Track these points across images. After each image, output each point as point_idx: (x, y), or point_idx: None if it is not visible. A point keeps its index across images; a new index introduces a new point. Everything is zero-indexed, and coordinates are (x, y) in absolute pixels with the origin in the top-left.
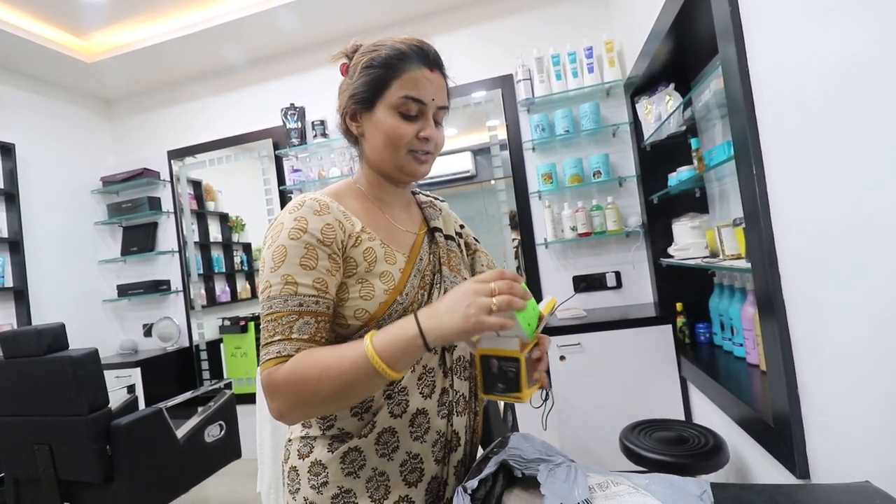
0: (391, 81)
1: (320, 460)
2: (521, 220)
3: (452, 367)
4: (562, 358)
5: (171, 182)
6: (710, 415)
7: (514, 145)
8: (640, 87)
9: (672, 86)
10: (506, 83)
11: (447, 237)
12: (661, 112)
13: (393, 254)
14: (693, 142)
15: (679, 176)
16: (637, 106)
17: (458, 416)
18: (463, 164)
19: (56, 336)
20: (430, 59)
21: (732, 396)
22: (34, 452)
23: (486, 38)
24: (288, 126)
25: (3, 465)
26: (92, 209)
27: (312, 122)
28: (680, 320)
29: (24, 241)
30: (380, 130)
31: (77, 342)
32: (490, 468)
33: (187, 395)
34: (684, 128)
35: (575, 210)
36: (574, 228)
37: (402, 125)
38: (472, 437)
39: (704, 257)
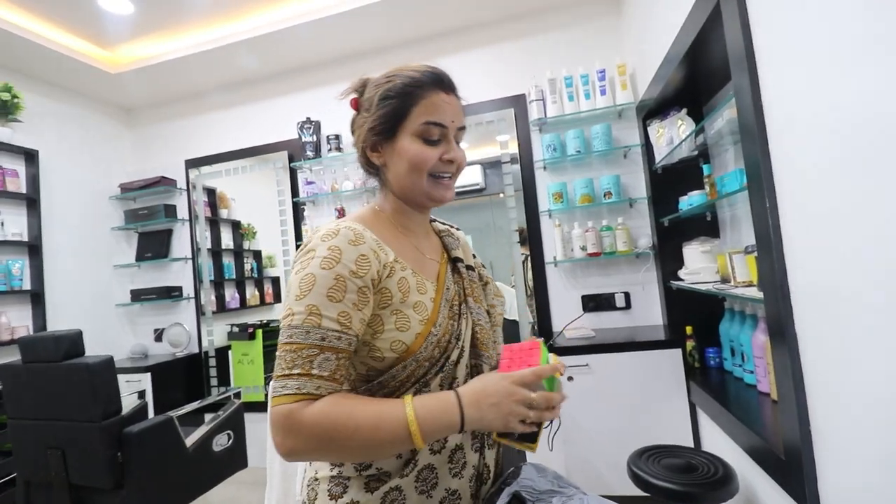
0: (410, 109)
1: (358, 501)
2: (531, 238)
3: None
4: (570, 378)
5: (188, 190)
6: (719, 442)
7: (526, 164)
8: (652, 111)
9: (684, 111)
10: (518, 103)
11: (468, 267)
12: (672, 136)
13: (424, 283)
14: (705, 168)
15: (690, 200)
16: (649, 129)
17: (488, 448)
18: (472, 176)
19: (73, 342)
20: (445, 83)
21: (742, 425)
22: (47, 456)
23: (500, 58)
24: (303, 139)
25: (16, 467)
26: (109, 215)
27: (327, 137)
28: (689, 344)
29: (43, 244)
30: (404, 158)
31: (90, 346)
32: (503, 499)
33: (197, 403)
34: (696, 153)
35: (585, 230)
36: (584, 248)
37: (426, 150)
38: (496, 468)
39: (715, 282)
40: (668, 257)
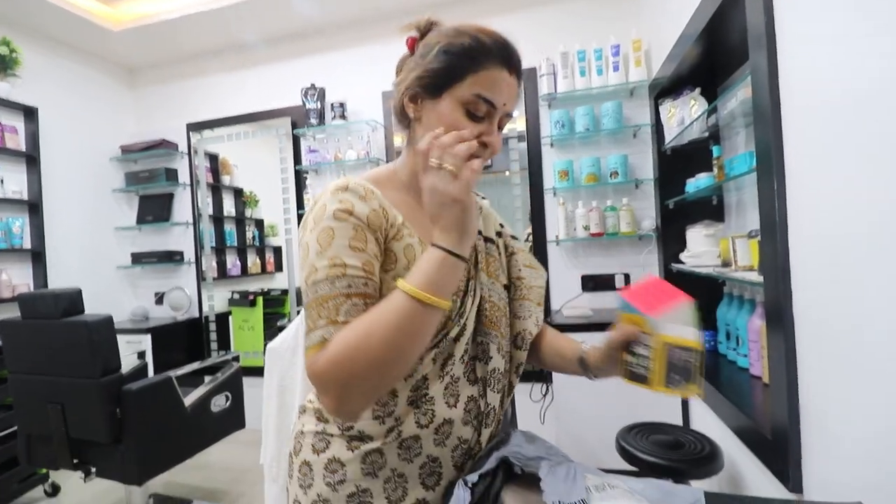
0: (467, 75)
1: (338, 458)
2: (534, 216)
3: (486, 379)
4: None
5: (189, 154)
6: (707, 422)
7: (533, 140)
8: (665, 90)
9: (698, 90)
10: (528, 76)
11: (487, 240)
12: (684, 116)
13: None
14: (715, 149)
15: (698, 183)
16: (660, 108)
17: (486, 427)
18: None
19: (73, 300)
20: (513, 63)
21: (731, 405)
22: (47, 411)
23: (512, 28)
24: (307, 106)
25: (17, 420)
26: (110, 176)
27: (332, 104)
28: None
29: (44, 203)
30: (440, 123)
31: (90, 306)
32: (490, 464)
33: (196, 364)
34: (707, 134)
35: (589, 209)
36: (587, 227)
37: (466, 124)
38: (489, 443)
39: (716, 266)
40: (670, 240)
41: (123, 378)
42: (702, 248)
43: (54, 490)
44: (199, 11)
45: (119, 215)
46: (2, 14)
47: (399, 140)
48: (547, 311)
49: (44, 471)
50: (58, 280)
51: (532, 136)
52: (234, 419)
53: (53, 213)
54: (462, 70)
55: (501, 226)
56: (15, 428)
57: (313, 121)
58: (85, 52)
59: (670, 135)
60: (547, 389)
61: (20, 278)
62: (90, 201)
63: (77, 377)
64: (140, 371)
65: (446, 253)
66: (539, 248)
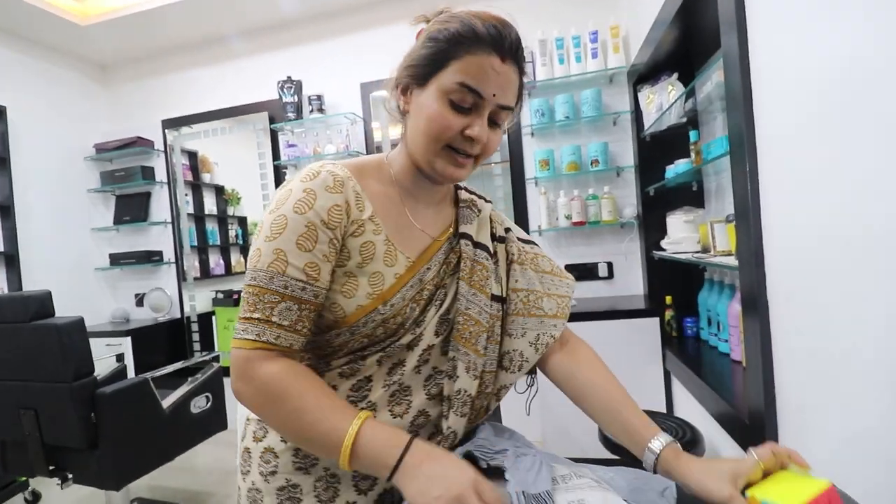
0: (450, 62)
1: (272, 448)
2: (516, 206)
3: (451, 399)
4: None
5: (165, 152)
6: (690, 409)
7: (513, 130)
8: (644, 76)
9: (675, 75)
10: None
11: (477, 245)
12: (662, 102)
13: (395, 254)
14: (692, 134)
15: (676, 168)
16: (639, 95)
17: (455, 414)
18: None
19: (42, 303)
20: (505, 48)
21: (711, 391)
22: (20, 416)
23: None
24: (284, 100)
25: None
26: (85, 176)
27: (309, 97)
28: (668, 314)
29: (16, 205)
30: (423, 114)
31: (69, 309)
32: None
33: (175, 366)
34: (685, 119)
35: (571, 198)
36: (569, 217)
37: (449, 116)
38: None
39: (696, 252)
40: (651, 227)
41: (97, 382)
42: (682, 235)
43: (35, 498)
44: (171, 2)
45: (96, 216)
46: None
47: (379, 135)
48: None
49: (23, 479)
50: (33, 284)
51: (512, 126)
52: (215, 420)
53: (26, 215)
54: (446, 56)
55: (508, 230)
56: None
57: (291, 115)
58: (54, 48)
59: (649, 121)
60: (532, 381)
61: None
62: (65, 202)
63: (49, 381)
64: (118, 374)
65: (390, 472)
66: None
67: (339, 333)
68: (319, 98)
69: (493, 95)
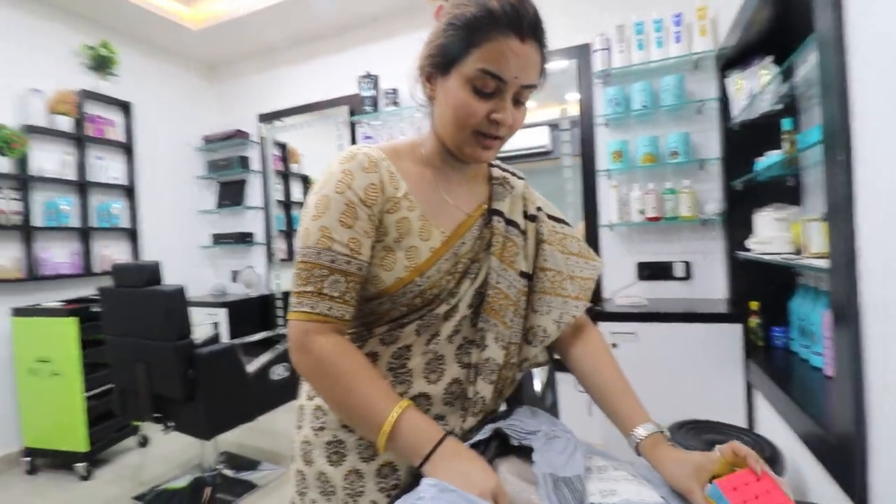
0: (471, 49)
1: (321, 407)
2: (586, 200)
3: (478, 366)
4: (614, 345)
5: (261, 144)
6: (774, 426)
7: (586, 120)
8: (733, 60)
9: (769, 59)
10: (582, 53)
11: (509, 223)
12: (753, 88)
13: (430, 230)
14: (785, 122)
15: (768, 160)
16: (727, 81)
17: (472, 416)
18: (539, 138)
19: (153, 272)
20: (524, 28)
21: (796, 407)
22: (135, 369)
23: (565, 3)
24: (362, 94)
25: (112, 377)
26: (194, 164)
27: (385, 91)
28: (753, 321)
29: (138, 188)
30: (449, 102)
31: (176, 280)
32: (483, 434)
33: (259, 335)
34: (780, 106)
35: (645, 192)
36: (642, 211)
37: (473, 102)
38: (494, 403)
39: (787, 254)
40: (737, 225)
41: (194, 343)
42: (771, 234)
43: (144, 441)
44: (268, 6)
45: (201, 200)
46: (99, 19)
47: None
48: (598, 298)
49: (136, 424)
50: (150, 256)
51: (585, 116)
52: (292, 388)
53: (146, 197)
54: (466, 44)
55: (539, 209)
56: (112, 385)
57: (368, 108)
58: (170, 50)
59: (738, 109)
60: None
61: (119, 254)
62: (177, 186)
63: (157, 340)
64: (213, 339)
65: (423, 460)
66: (591, 234)
67: (381, 303)
68: (394, 91)
69: (515, 78)
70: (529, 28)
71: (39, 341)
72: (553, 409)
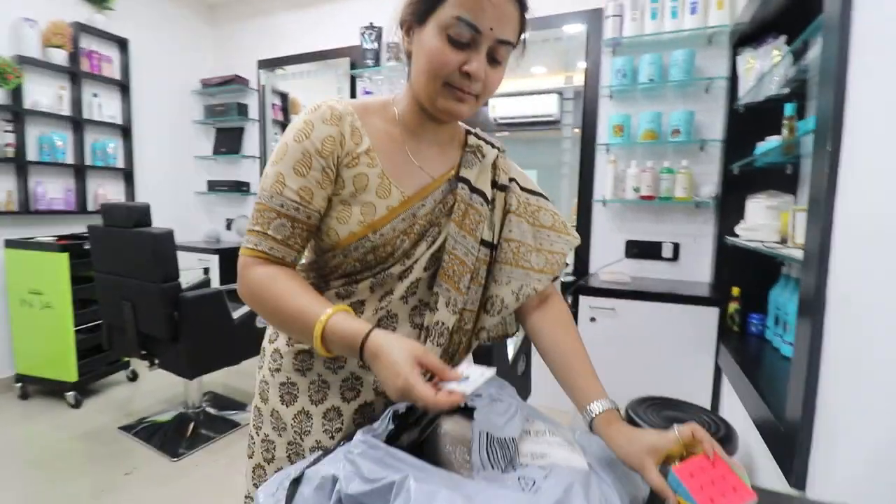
0: None
1: (279, 350)
2: (582, 173)
3: (428, 328)
4: (592, 319)
5: (259, 91)
6: (735, 409)
7: (591, 90)
8: (747, 37)
9: (783, 39)
10: (593, 19)
11: (474, 190)
12: (764, 69)
13: (389, 188)
14: (787, 107)
15: (767, 145)
16: (738, 59)
17: (446, 308)
18: (547, 107)
19: (142, 213)
20: None
21: (753, 391)
22: (121, 306)
23: None
24: (364, 46)
25: (102, 313)
26: (191, 108)
27: (388, 44)
28: (733, 306)
29: (134, 128)
30: (423, 52)
31: (172, 225)
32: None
33: None
34: (788, 90)
35: (642, 169)
36: (637, 189)
37: (447, 51)
38: (454, 329)
39: (772, 242)
40: (730, 210)
41: (180, 286)
42: (760, 221)
43: (134, 376)
44: None
45: (197, 145)
46: None
47: None
48: (584, 272)
49: (126, 359)
50: (144, 198)
51: (590, 86)
52: None
53: (142, 137)
54: None
55: (512, 180)
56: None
57: (369, 61)
58: None
59: (745, 90)
60: None
61: (114, 195)
62: (173, 130)
63: (143, 280)
64: (203, 284)
65: (358, 352)
66: (584, 208)
67: (335, 255)
68: (397, 45)
69: (490, 29)
70: None
71: (32, 274)
72: (525, 377)
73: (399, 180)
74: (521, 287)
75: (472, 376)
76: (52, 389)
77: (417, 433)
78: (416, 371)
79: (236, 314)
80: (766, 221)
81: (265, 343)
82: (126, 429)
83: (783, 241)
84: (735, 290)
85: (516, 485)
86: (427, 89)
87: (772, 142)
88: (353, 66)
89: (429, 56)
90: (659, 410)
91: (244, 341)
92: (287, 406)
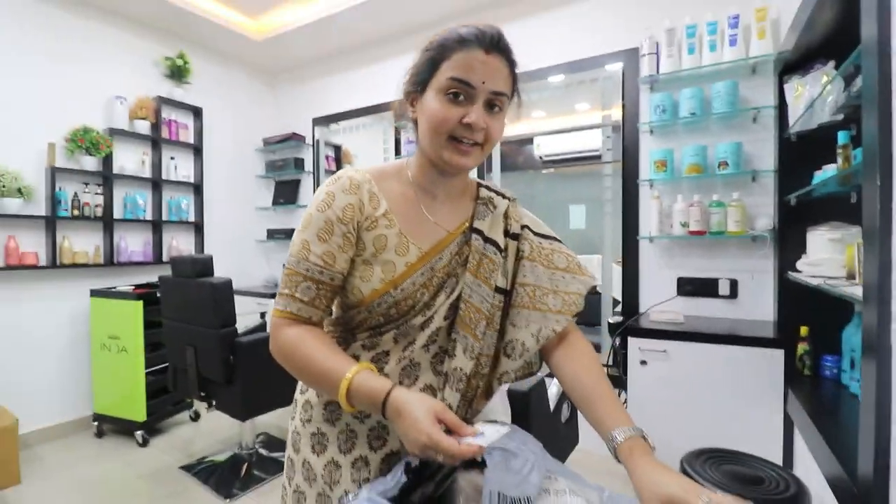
0: (441, 63)
1: (309, 401)
2: (625, 209)
3: (447, 374)
4: (643, 362)
5: (313, 146)
6: (811, 466)
7: (630, 127)
8: (792, 65)
9: (832, 64)
10: (629, 58)
11: (487, 240)
12: (814, 95)
13: (407, 245)
14: (841, 135)
15: (824, 175)
16: (785, 87)
17: (450, 389)
18: (591, 142)
19: (205, 264)
20: (488, 42)
21: (824, 444)
22: (185, 350)
23: (614, 5)
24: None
25: (168, 356)
26: (254, 164)
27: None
28: (802, 347)
29: (204, 185)
30: (426, 114)
31: (235, 272)
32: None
33: None
34: (842, 116)
35: (689, 204)
36: (685, 224)
37: (447, 108)
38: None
39: (836, 278)
40: (790, 243)
41: (237, 332)
42: (823, 255)
43: (196, 416)
44: (323, 18)
45: (259, 197)
46: (175, 31)
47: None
48: (634, 312)
49: (190, 400)
50: (212, 248)
51: (629, 123)
52: None
53: (211, 192)
54: (438, 59)
55: (525, 227)
56: (167, 364)
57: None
58: (236, 59)
59: (795, 117)
60: (621, 397)
61: (185, 245)
62: (238, 184)
63: (204, 326)
64: (259, 328)
65: (380, 409)
66: (629, 245)
67: (360, 311)
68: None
69: (483, 83)
70: (492, 43)
71: (111, 320)
72: (570, 425)
73: (416, 237)
74: (541, 329)
75: (486, 433)
76: (123, 428)
77: (433, 488)
78: (437, 426)
79: None
80: (829, 255)
81: (297, 395)
82: (187, 468)
83: (851, 277)
84: (803, 330)
85: None
86: (433, 145)
87: (828, 171)
88: (397, 119)
89: (431, 115)
90: (718, 465)
91: (294, 383)
92: (318, 456)
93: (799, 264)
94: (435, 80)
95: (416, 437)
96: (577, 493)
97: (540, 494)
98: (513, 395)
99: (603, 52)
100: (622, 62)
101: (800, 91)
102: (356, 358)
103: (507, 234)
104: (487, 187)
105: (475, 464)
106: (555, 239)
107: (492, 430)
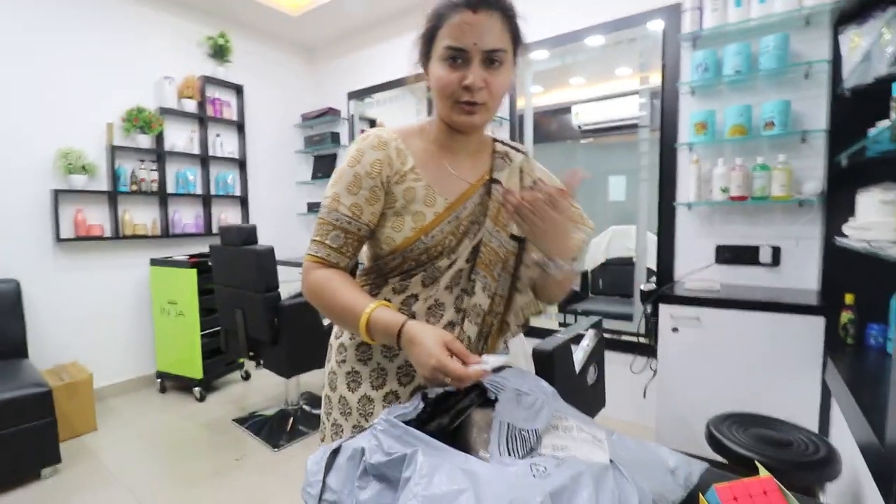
0: (437, 32)
1: (343, 344)
2: (662, 175)
3: (467, 311)
4: (674, 329)
5: (349, 120)
6: (844, 435)
7: (669, 88)
8: (849, 14)
9: (893, 11)
10: (670, 15)
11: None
12: (872, 46)
13: (434, 197)
14: (895, 87)
15: (877, 131)
16: (840, 38)
17: (468, 322)
18: (630, 110)
19: (249, 233)
20: (473, 1)
21: (857, 410)
22: (234, 313)
23: None
24: None
25: (220, 319)
26: (293, 140)
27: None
28: (846, 315)
29: (248, 161)
30: (433, 81)
31: (278, 243)
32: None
33: None
34: None
35: (731, 168)
36: (725, 190)
37: (446, 74)
38: (479, 342)
39: (888, 241)
40: (840, 207)
41: (280, 296)
42: (873, 218)
43: (247, 375)
44: None
45: (299, 172)
46: (215, 11)
47: (522, 103)
48: (669, 279)
49: (241, 360)
50: (256, 220)
51: (669, 84)
52: None
53: (254, 168)
54: (434, 30)
55: (538, 180)
56: (219, 326)
57: None
58: (274, 36)
59: (849, 72)
60: (647, 365)
61: (232, 217)
62: (279, 160)
63: (250, 290)
64: (299, 294)
65: (396, 340)
66: (665, 212)
67: (394, 258)
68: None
69: (474, 44)
70: (477, 1)
71: (169, 287)
72: (596, 388)
73: (441, 189)
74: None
75: (490, 360)
76: (183, 385)
77: (448, 420)
78: (446, 352)
79: (326, 321)
80: (880, 218)
81: (332, 340)
82: (239, 421)
83: None
84: (848, 298)
85: (527, 470)
86: (443, 109)
87: (881, 127)
88: (428, 89)
89: (436, 82)
90: (746, 428)
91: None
92: (352, 392)
93: (845, 228)
94: (435, 49)
95: (426, 360)
96: (583, 430)
97: (548, 429)
98: (538, 355)
99: (643, 10)
100: (663, 19)
101: (856, 42)
102: (388, 301)
103: (521, 186)
104: (503, 142)
105: (489, 401)
106: None
107: (495, 358)
